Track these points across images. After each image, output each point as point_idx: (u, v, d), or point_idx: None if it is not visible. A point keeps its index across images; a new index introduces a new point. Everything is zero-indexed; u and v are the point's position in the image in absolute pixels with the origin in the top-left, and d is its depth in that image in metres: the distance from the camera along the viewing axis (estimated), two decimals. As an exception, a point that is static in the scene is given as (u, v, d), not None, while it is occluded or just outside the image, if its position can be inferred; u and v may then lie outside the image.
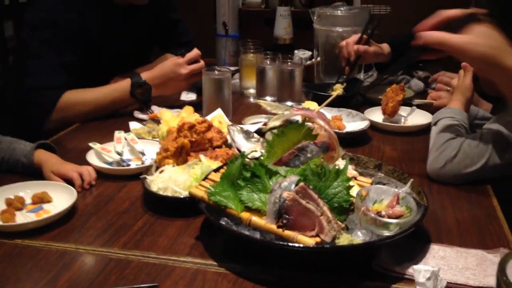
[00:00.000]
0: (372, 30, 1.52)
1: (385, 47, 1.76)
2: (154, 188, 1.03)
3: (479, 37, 0.97)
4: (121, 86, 1.57)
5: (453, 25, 1.00)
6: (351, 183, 0.89)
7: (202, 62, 1.60)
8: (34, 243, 0.91)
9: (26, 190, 1.05)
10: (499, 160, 1.10)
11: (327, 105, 1.47)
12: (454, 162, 1.13)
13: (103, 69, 1.69)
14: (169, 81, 1.59)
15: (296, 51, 2.07)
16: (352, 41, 1.68)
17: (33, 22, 1.57)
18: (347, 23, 1.77)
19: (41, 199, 1.03)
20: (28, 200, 1.03)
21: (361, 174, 1.04)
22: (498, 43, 0.98)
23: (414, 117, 1.51)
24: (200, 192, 0.91)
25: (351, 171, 1.02)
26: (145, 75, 1.57)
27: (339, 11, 1.81)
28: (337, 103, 1.50)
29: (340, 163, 0.99)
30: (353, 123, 1.45)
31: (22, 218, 0.98)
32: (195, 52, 1.60)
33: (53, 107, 1.51)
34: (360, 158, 1.11)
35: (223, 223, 0.87)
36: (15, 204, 1.00)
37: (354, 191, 0.90)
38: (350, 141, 1.33)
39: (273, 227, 0.83)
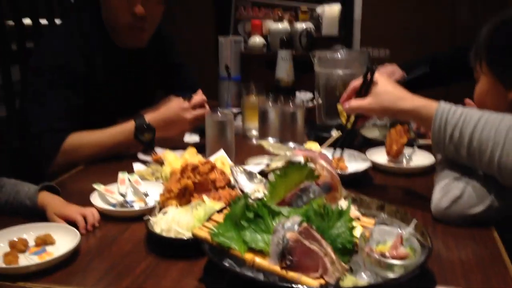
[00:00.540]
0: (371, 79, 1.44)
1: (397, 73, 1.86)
2: (157, 229, 1.03)
3: (376, 97, 1.19)
4: (125, 128, 1.59)
5: (362, 92, 1.22)
6: (354, 223, 0.89)
7: (207, 108, 1.62)
8: (37, 286, 0.90)
9: (29, 232, 1.06)
10: (503, 200, 1.11)
11: (329, 146, 1.48)
12: (459, 203, 1.13)
13: (108, 111, 1.71)
14: (173, 124, 1.61)
15: (297, 93, 2.10)
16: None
17: (38, 66, 1.60)
18: (347, 66, 1.81)
19: (44, 241, 1.03)
20: (31, 242, 1.03)
21: (364, 214, 1.04)
22: (390, 96, 1.17)
23: (417, 157, 1.52)
24: (203, 233, 0.91)
25: (354, 211, 1.02)
26: (149, 117, 1.60)
27: (338, 54, 1.85)
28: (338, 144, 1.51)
29: (343, 204, 0.99)
30: (355, 163, 1.46)
31: (25, 260, 0.98)
32: (200, 97, 1.63)
33: (58, 150, 1.53)
34: (362, 199, 1.11)
35: (227, 264, 0.87)
36: (18, 247, 1.00)
37: (357, 232, 0.90)
38: (352, 182, 1.34)
39: (277, 268, 0.83)
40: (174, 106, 1.61)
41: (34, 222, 1.10)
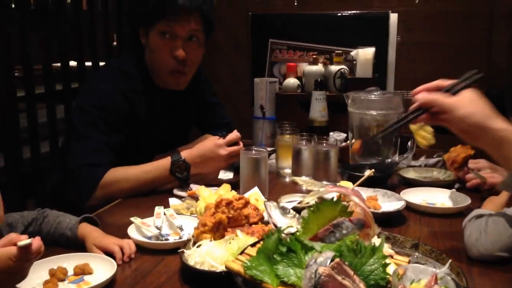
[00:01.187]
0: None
1: None
2: (191, 262, 1.05)
3: (467, 100, 1.05)
4: (162, 164, 1.63)
5: (445, 90, 1.10)
6: (387, 260, 0.89)
7: (241, 145, 1.66)
8: (74, 313, 0.93)
9: (69, 262, 1.09)
10: None
11: (362, 186, 1.48)
12: (484, 236, 1.12)
13: (146, 149, 1.77)
14: (208, 161, 1.65)
15: (331, 133, 2.12)
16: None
17: (82, 105, 1.67)
18: (381, 107, 1.83)
19: (82, 271, 1.06)
20: (70, 271, 1.07)
21: (397, 253, 1.03)
22: (484, 108, 1.05)
23: (453, 199, 1.50)
24: (237, 266, 0.92)
25: (387, 249, 1.02)
26: (185, 153, 1.64)
27: (373, 96, 1.87)
28: (372, 183, 1.52)
29: (376, 241, 0.99)
30: (389, 203, 1.45)
31: (64, 288, 1.01)
32: (235, 134, 1.67)
33: (97, 183, 1.57)
34: (396, 237, 1.10)
35: (259, 298, 0.88)
36: (58, 275, 1.04)
37: (390, 270, 0.90)
38: (386, 221, 1.33)
39: (309, 302, 0.83)
40: (209, 143, 1.66)
41: (74, 252, 1.13)
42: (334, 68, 2.30)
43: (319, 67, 2.31)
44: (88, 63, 2.96)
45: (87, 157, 1.59)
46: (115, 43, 3.40)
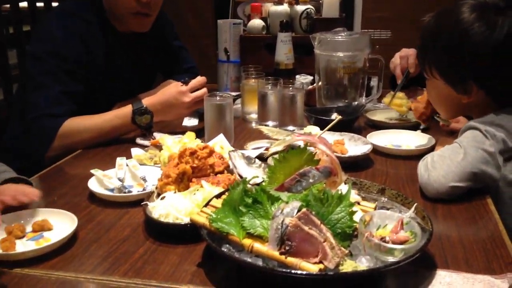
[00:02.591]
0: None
1: None
2: (155, 214, 1.02)
3: None
4: (123, 112, 1.57)
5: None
6: (354, 208, 0.88)
7: (205, 89, 1.60)
8: (34, 272, 0.90)
9: (26, 218, 1.05)
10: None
11: (329, 130, 1.46)
12: (434, 172, 1.17)
13: (106, 96, 1.70)
14: (171, 108, 1.59)
15: (297, 76, 2.08)
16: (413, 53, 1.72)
17: (36, 53, 1.58)
18: (348, 48, 1.78)
19: (42, 227, 1.02)
20: (28, 228, 1.03)
21: (364, 199, 1.03)
22: None
23: (418, 140, 1.51)
24: (202, 219, 0.90)
25: (354, 196, 1.01)
26: (147, 101, 1.58)
27: (339, 37, 1.82)
28: (338, 126, 1.50)
29: (343, 188, 0.98)
30: (356, 147, 1.44)
31: (22, 246, 0.97)
32: (198, 79, 1.61)
33: (55, 134, 1.51)
34: (363, 183, 1.10)
35: (225, 250, 0.86)
36: (15, 232, 1.00)
37: (357, 217, 0.89)
38: (352, 165, 1.33)
39: (276, 253, 0.82)
40: (172, 89, 1.60)
41: (32, 209, 1.09)
42: (300, 8, 2.22)
43: (284, 7, 2.23)
44: (40, 4, 2.77)
45: (44, 108, 1.53)
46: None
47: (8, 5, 2.55)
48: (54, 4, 2.72)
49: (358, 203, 0.99)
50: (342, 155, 1.35)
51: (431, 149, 1.40)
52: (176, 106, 1.59)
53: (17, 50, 2.54)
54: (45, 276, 0.89)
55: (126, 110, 1.57)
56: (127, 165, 1.29)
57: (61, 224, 1.04)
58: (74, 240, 1.00)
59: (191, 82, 1.60)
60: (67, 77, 1.57)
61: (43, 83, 1.54)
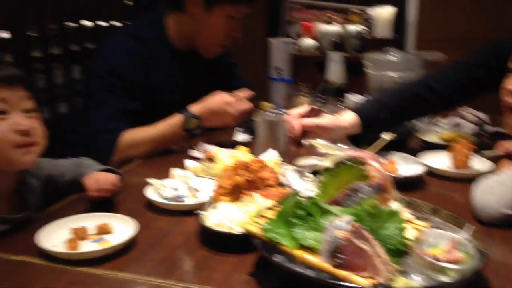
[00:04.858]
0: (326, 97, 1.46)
1: (350, 118, 1.47)
2: (209, 223, 1.06)
3: None
4: (173, 120, 1.65)
5: None
6: (405, 225, 0.88)
7: (250, 104, 1.65)
8: (96, 272, 0.95)
9: (89, 221, 1.11)
10: None
11: (381, 149, 1.46)
12: (489, 195, 1.13)
13: (162, 113, 1.77)
14: (216, 116, 1.65)
15: (348, 95, 2.09)
16: (296, 115, 1.43)
17: (98, 71, 1.68)
18: (400, 68, 1.79)
19: (103, 230, 1.08)
20: (91, 231, 1.09)
21: (416, 218, 1.03)
22: None
23: (476, 164, 1.48)
24: (255, 229, 0.93)
25: (406, 213, 1.01)
26: (194, 108, 1.65)
27: (392, 57, 1.83)
28: (390, 146, 1.50)
29: (395, 206, 0.99)
30: (408, 167, 1.43)
31: (85, 247, 1.03)
32: (246, 92, 1.66)
33: (113, 150, 1.60)
34: (415, 202, 1.09)
35: (277, 260, 0.88)
36: (79, 234, 1.06)
37: (409, 234, 0.89)
38: (405, 186, 1.31)
39: (327, 266, 0.84)
40: (217, 98, 1.65)
41: (95, 212, 1.15)
42: (351, 28, 2.24)
43: (336, 27, 2.25)
44: (102, 23, 2.92)
45: (101, 124, 1.62)
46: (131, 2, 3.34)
47: (73, 23, 2.71)
48: (113, 22, 2.87)
49: (410, 222, 0.98)
50: (394, 175, 1.35)
51: (489, 173, 1.38)
52: (221, 115, 1.64)
53: (80, 66, 2.69)
54: (105, 275, 0.94)
55: (176, 118, 1.64)
56: (181, 176, 1.34)
57: (120, 228, 1.09)
58: (133, 243, 1.05)
59: (238, 94, 1.65)
60: (125, 95, 1.66)
61: (102, 100, 1.64)
